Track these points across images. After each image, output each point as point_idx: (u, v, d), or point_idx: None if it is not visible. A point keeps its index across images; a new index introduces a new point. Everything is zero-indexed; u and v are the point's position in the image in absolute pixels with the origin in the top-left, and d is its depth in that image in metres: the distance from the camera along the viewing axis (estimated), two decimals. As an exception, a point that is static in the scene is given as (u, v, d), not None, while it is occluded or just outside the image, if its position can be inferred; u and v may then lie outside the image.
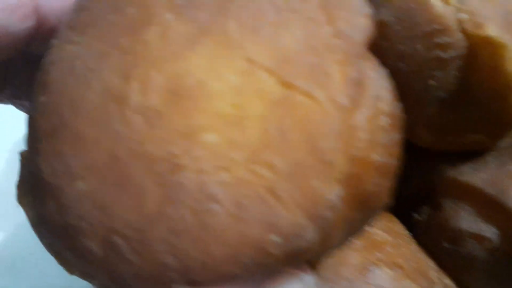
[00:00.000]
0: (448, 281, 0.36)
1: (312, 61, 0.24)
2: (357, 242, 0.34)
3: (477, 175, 0.37)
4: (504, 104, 0.34)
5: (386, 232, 0.37)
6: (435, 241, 0.37)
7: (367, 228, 0.36)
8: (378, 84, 0.26)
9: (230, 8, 0.25)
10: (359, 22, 0.26)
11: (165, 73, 0.24)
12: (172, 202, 0.22)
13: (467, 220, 0.36)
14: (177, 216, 0.22)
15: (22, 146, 0.28)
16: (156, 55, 0.24)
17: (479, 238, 0.35)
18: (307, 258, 0.25)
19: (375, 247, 0.35)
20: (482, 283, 0.36)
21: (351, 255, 0.33)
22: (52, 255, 0.27)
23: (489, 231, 0.35)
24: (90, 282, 0.26)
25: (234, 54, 0.24)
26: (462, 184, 0.37)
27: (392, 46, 0.33)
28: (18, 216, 0.32)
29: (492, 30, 0.32)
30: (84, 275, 0.26)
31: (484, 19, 0.32)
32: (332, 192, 0.23)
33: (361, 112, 0.24)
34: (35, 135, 0.26)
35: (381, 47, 0.33)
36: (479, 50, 0.32)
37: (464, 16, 0.32)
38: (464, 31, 0.32)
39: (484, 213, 0.36)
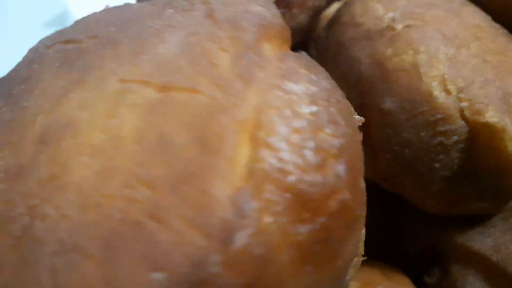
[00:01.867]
0: None
1: (192, 57, 0.22)
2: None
3: (483, 241, 0.39)
4: (507, 177, 0.36)
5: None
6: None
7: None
8: (289, 68, 0.23)
9: (110, 46, 0.25)
10: (249, 9, 0.25)
11: (36, 130, 0.23)
12: (27, 265, 0.19)
13: (472, 285, 0.38)
14: (33, 281, 0.18)
15: None
16: (30, 116, 0.24)
17: (487, 303, 0.37)
18: None
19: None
20: None
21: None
22: None
23: (496, 297, 0.37)
24: None
25: (107, 82, 0.23)
26: (469, 250, 0.39)
27: (397, 134, 0.35)
28: None
29: (490, 115, 0.34)
30: None
31: (483, 105, 0.34)
32: (241, 192, 0.18)
33: (256, 92, 0.21)
34: None
35: (387, 134, 0.36)
36: (479, 134, 0.34)
37: (464, 104, 0.34)
38: (465, 118, 0.34)
39: (490, 279, 0.38)
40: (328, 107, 0.22)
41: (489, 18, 0.41)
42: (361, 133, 0.23)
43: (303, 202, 0.19)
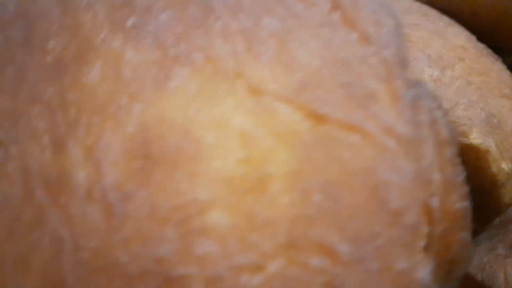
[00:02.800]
0: None
1: (344, 80, 0.16)
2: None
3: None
4: (490, 196, 0.37)
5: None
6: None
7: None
8: (430, 101, 0.19)
9: (213, 24, 0.16)
10: (387, 22, 0.19)
11: (124, 130, 0.15)
12: None
13: (461, 305, 0.38)
14: None
15: None
16: (103, 104, 0.15)
17: (473, 323, 0.38)
18: None
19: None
20: None
21: None
22: None
23: (482, 316, 0.38)
24: None
25: (230, 84, 0.16)
26: (455, 269, 0.39)
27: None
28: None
29: (474, 137, 0.35)
30: None
31: (467, 127, 0.34)
32: (421, 269, 0.15)
33: (427, 143, 0.18)
34: None
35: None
36: (464, 154, 0.35)
37: (449, 126, 0.34)
38: (450, 140, 0.34)
39: (476, 297, 0.38)
40: None
41: (473, 38, 0.41)
42: None
43: None
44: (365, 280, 0.14)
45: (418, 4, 0.42)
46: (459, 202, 0.19)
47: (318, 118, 0.16)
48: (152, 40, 0.16)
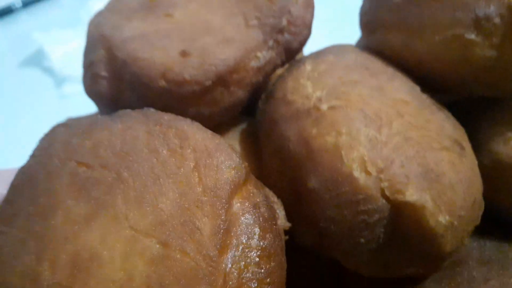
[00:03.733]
0: None
1: (185, 219, 0.31)
2: None
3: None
4: (431, 247, 0.38)
5: None
6: None
7: None
8: (246, 225, 0.32)
9: (119, 186, 0.33)
10: (224, 177, 0.33)
11: (68, 251, 0.31)
12: None
13: None
14: None
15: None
16: (61, 236, 0.32)
17: None
18: None
19: None
20: None
21: None
22: None
23: None
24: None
25: (121, 225, 0.31)
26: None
27: (323, 211, 0.37)
28: None
29: (410, 194, 0.36)
30: None
31: (403, 185, 0.36)
32: None
33: (228, 257, 0.30)
34: None
35: (313, 211, 0.38)
36: (401, 211, 0.36)
37: (384, 184, 0.36)
38: (386, 197, 0.36)
39: None
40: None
41: (417, 89, 0.43)
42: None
43: None
44: None
45: (363, 57, 0.44)
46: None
47: (165, 244, 0.30)
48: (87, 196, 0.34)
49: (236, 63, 0.41)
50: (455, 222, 0.38)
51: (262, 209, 0.34)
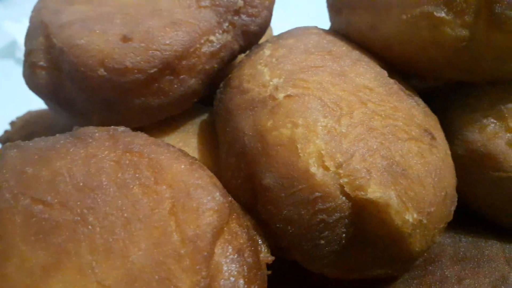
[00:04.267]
0: None
1: (160, 275, 0.26)
2: None
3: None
4: (399, 248, 0.35)
5: None
6: None
7: None
8: (230, 277, 0.28)
9: (83, 230, 0.28)
10: (205, 222, 0.28)
11: None
12: None
13: None
14: None
15: None
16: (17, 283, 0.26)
17: None
18: None
19: None
20: None
21: None
22: None
23: None
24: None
25: (87, 279, 0.26)
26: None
27: (278, 211, 0.34)
28: None
29: (373, 190, 0.32)
30: None
31: (365, 180, 0.32)
32: None
33: None
34: None
35: (269, 210, 0.34)
36: (364, 209, 0.33)
37: (344, 180, 0.32)
38: (346, 194, 0.32)
39: None
40: None
41: (384, 74, 0.39)
42: None
43: None
44: None
45: (327, 40, 0.40)
46: None
47: None
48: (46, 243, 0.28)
49: (185, 48, 0.37)
50: (424, 220, 0.34)
51: (246, 254, 0.30)
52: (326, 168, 0.32)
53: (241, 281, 0.28)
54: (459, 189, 0.42)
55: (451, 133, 0.43)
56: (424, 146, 0.36)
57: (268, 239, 0.35)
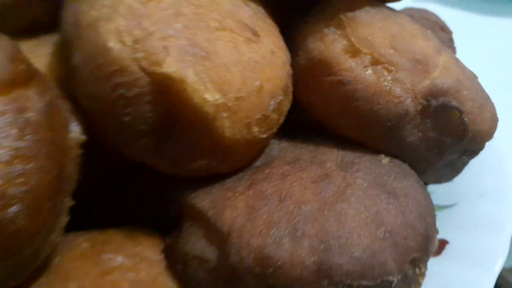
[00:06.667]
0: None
1: None
2: (80, 270, 0.37)
3: (206, 197, 0.39)
4: (211, 133, 0.36)
5: (128, 257, 0.39)
6: (173, 263, 0.39)
7: (107, 256, 0.38)
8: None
9: None
10: None
11: None
12: None
13: (194, 243, 0.38)
14: None
15: None
16: None
17: (200, 260, 0.37)
18: None
19: (101, 274, 0.37)
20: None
21: (68, 283, 0.36)
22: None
23: (211, 252, 0.37)
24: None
25: None
26: (194, 208, 0.39)
27: (84, 89, 0.35)
28: None
29: (168, 66, 0.34)
30: None
31: (161, 56, 0.34)
32: None
33: None
34: None
35: (78, 90, 0.36)
36: (163, 86, 0.34)
37: (140, 55, 0.34)
38: (143, 69, 0.34)
39: (207, 234, 0.38)
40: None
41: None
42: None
43: None
44: None
45: None
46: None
47: None
48: None
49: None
50: (230, 103, 0.36)
51: (30, 114, 0.32)
52: (123, 43, 0.34)
53: (14, 130, 0.30)
54: (301, 100, 0.44)
55: (296, 45, 0.44)
56: (240, 39, 0.37)
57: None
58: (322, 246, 0.34)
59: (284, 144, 0.44)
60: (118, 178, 0.46)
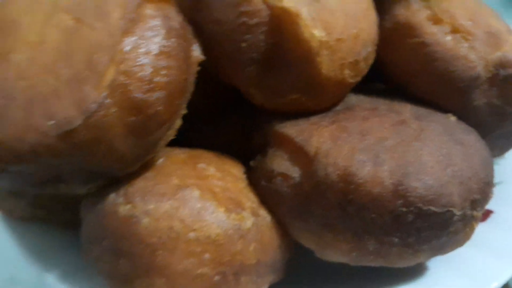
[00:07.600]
0: (262, 211, 0.43)
1: (97, 4, 0.36)
2: (180, 171, 0.42)
3: (293, 127, 0.44)
4: (310, 67, 0.42)
5: (218, 170, 0.44)
6: (257, 180, 0.44)
7: (202, 166, 0.44)
8: (154, 25, 0.36)
9: None
10: None
11: None
12: None
13: (279, 163, 0.43)
14: None
15: None
16: None
17: (285, 176, 0.42)
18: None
19: (197, 177, 0.42)
20: (289, 216, 0.43)
21: (171, 178, 0.41)
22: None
23: (295, 171, 0.42)
24: None
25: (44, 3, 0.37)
26: (280, 134, 0.44)
27: (210, 13, 0.41)
28: None
29: (287, 2, 0.40)
30: None
31: (281, -6, 0.40)
32: (99, 95, 0.33)
33: (131, 39, 0.35)
34: None
35: (202, 15, 0.42)
36: (279, 18, 0.40)
37: (264, -10, 0.40)
38: (266, 2, 0.40)
39: (293, 157, 0.43)
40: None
41: None
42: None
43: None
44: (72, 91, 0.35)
45: None
46: (144, 72, 0.35)
47: (77, 20, 0.37)
48: None
49: None
50: (332, 43, 0.41)
51: (174, 23, 0.38)
52: (251, -21, 0.40)
53: (163, 30, 0.36)
54: (383, 59, 0.49)
55: (383, 11, 0.49)
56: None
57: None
58: (401, 171, 0.39)
59: (361, 97, 0.49)
60: (211, 107, 0.51)
